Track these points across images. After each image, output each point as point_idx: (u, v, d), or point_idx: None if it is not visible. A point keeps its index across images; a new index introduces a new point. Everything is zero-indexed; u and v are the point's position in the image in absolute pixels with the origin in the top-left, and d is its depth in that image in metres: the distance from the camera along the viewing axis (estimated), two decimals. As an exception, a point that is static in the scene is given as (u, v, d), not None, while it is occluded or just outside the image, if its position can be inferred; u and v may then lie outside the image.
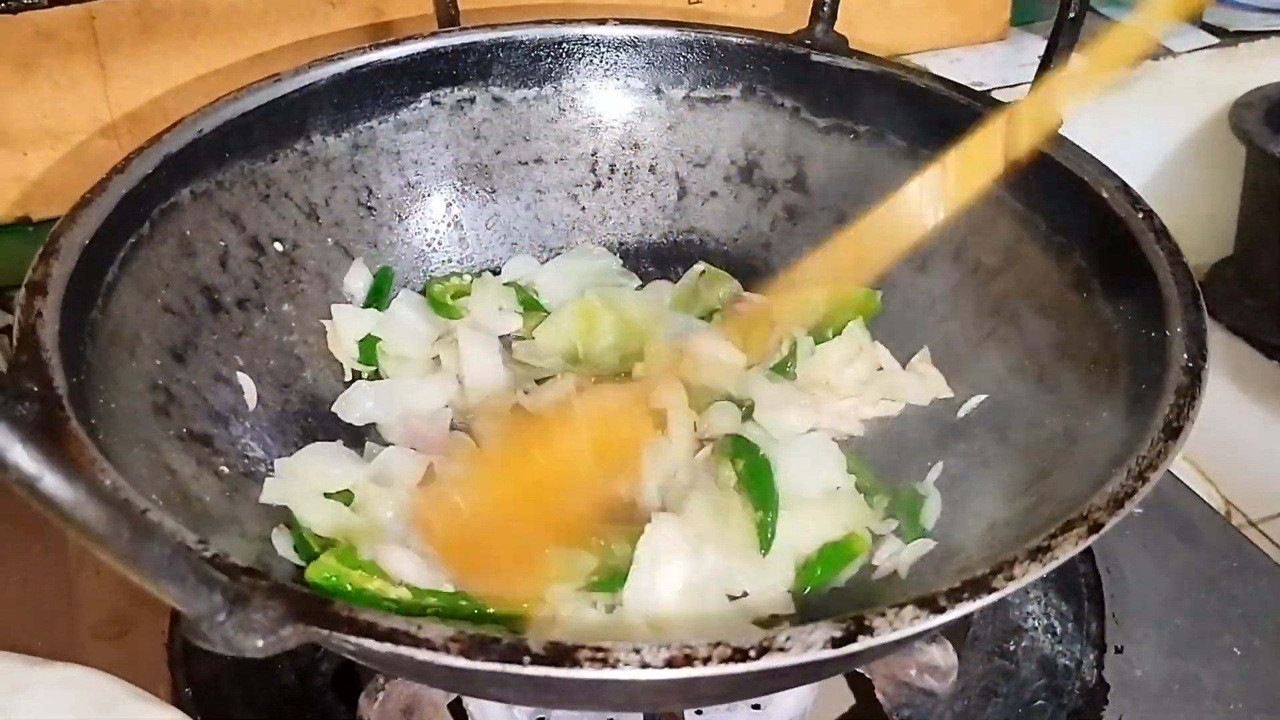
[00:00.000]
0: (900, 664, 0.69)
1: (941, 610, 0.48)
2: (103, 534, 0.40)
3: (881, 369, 0.83)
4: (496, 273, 0.91)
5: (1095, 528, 0.52)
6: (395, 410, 0.80)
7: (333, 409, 0.80)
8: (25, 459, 0.37)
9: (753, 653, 0.45)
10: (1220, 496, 1.03)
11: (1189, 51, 1.36)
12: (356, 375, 0.83)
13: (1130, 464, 0.55)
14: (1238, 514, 1.01)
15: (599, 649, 0.45)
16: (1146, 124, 1.38)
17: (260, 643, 0.45)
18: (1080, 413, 0.68)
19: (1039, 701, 0.71)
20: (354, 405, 0.80)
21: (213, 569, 0.45)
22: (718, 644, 0.45)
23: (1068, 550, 0.50)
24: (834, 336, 0.82)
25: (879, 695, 0.71)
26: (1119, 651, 0.75)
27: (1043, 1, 1.43)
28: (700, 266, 0.91)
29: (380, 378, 0.83)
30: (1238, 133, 1.31)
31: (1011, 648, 0.74)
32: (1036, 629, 0.75)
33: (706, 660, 0.45)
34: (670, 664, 0.45)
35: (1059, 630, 0.76)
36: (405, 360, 0.83)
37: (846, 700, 0.76)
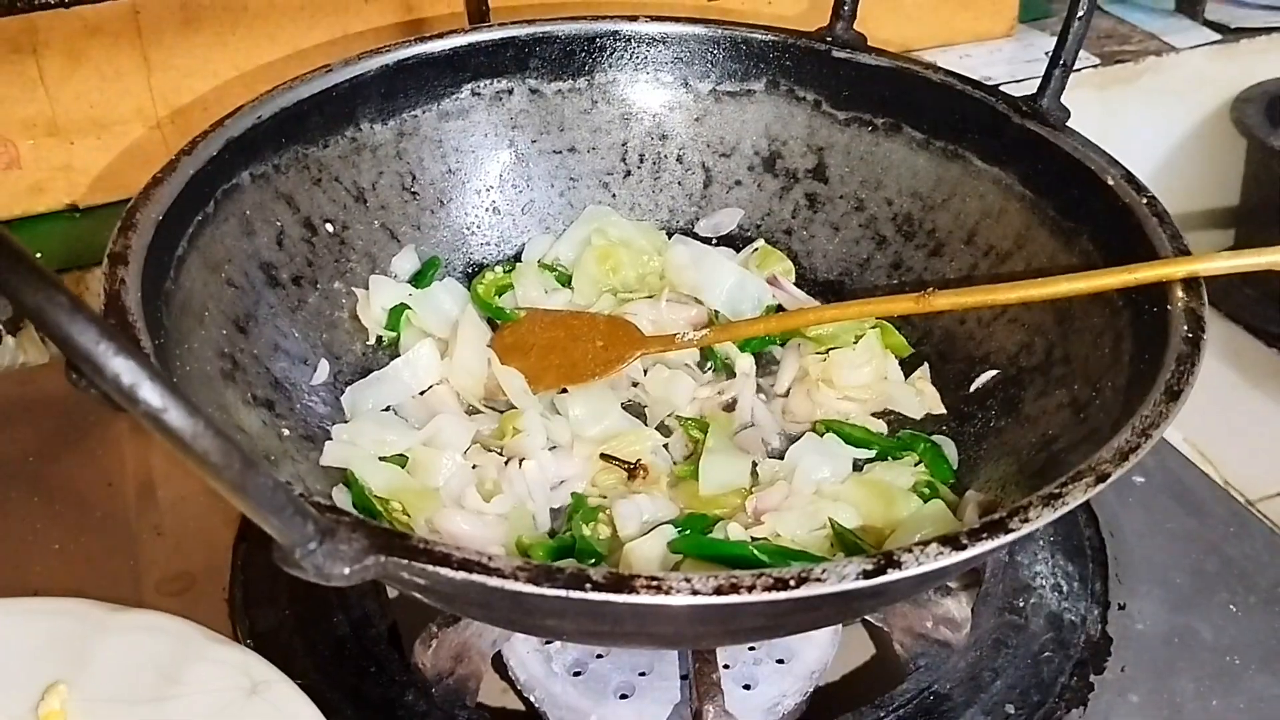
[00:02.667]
0: (917, 616, 0.73)
1: (963, 547, 0.52)
2: (217, 464, 0.44)
3: (886, 379, 0.87)
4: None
5: (1102, 478, 0.56)
6: (401, 393, 0.84)
7: (340, 400, 0.82)
8: (153, 393, 0.41)
9: (793, 582, 0.50)
10: (1219, 478, 1.07)
11: (1191, 48, 1.41)
12: (379, 340, 0.88)
13: (1134, 422, 0.60)
14: (1236, 495, 1.05)
15: (654, 578, 0.50)
16: (1149, 118, 1.42)
17: (347, 570, 0.50)
18: (1086, 383, 0.73)
19: (1047, 653, 0.76)
20: (362, 399, 0.83)
21: (304, 500, 0.50)
22: (761, 574, 0.50)
23: (1078, 496, 0.55)
24: (855, 343, 0.87)
25: (896, 646, 0.75)
26: (1122, 608, 0.80)
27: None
28: (758, 243, 0.96)
29: (397, 347, 0.88)
30: (1239, 127, 1.35)
31: (1021, 604, 0.79)
32: (1044, 587, 0.80)
33: (751, 588, 0.50)
34: (718, 591, 0.50)
35: (1065, 588, 0.80)
36: (425, 336, 0.88)
37: (862, 654, 0.80)
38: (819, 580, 0.50)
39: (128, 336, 0.62)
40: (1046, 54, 1.37)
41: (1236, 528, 0.86)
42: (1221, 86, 1.42)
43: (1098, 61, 1.38)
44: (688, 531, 0.72)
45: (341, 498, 0.73)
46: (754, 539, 0.71)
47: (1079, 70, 1.36)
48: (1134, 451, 0.58)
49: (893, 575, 0.51)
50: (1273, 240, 0.71)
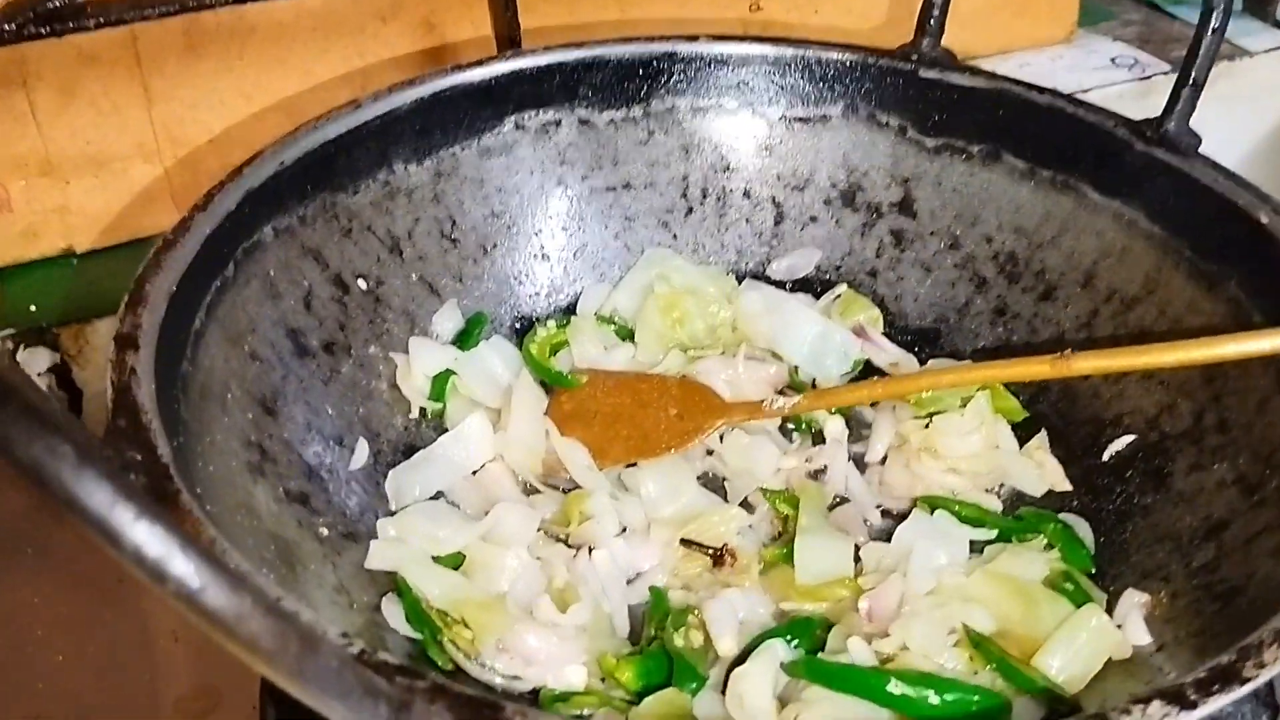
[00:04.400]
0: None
1: (1192, 705, 0.42)
2: (269, 649, 0.35)
3: (998, 448, 0.76)
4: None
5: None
6: (450, 475, 0.75)
7: (382, 487, 0.73)
8: (188, 569, 0.33)
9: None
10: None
11: (1265, 52, 1.33)
12: (422, 413, 0.78)
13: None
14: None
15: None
16: (1223, 125, 1.33)
17: (429, 757, 0.40)
18: (1255, 458, 0.63)
19: (1214, 770, 0.66)
20: (408, 485, 0.73)
21: (372, 673, 0.40)
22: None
23: (1319, 630, 0.45)
24: (961, 407, 0.76)
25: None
26: (1293, 713, 0.70)
27: (1111, 3, 1.39)
28: (840, 287, 0.87)
29: (443, 419, 0.78)
30: (1320, 134, 1.27)
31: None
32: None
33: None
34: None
35: (1225, 689, 0.70)
36: (474, 405, 0.78)
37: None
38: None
39: (141, 442, 0.52)
40: (1112, 60, 1.30)
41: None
42: (1296, 91, 1.34)
43: (1168, 68, 1.29)
44: (797, 643, 0.62)
45: (392, 610, 0.63)
46: (880, 655, 0.61)
47: (1147, 78, 1.28)
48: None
49: (1111, 748, 0.41)
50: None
